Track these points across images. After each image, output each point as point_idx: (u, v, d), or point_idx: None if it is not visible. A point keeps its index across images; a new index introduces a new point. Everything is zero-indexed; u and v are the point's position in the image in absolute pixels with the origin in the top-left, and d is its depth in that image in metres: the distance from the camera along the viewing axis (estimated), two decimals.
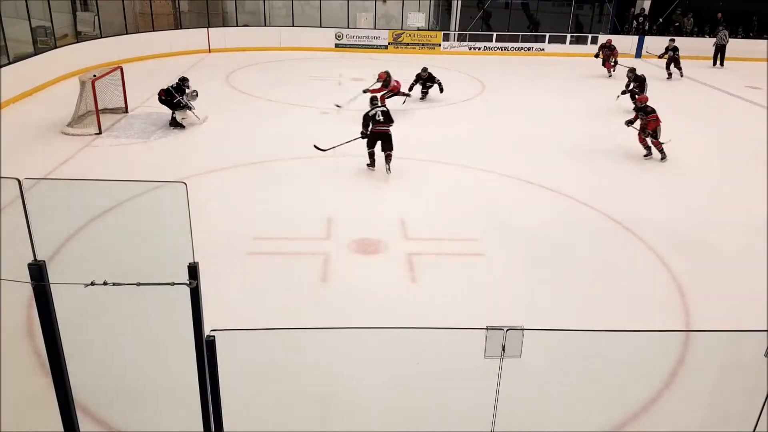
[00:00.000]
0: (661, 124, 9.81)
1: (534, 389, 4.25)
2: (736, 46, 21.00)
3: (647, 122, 9.85)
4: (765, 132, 11.80)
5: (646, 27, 21.70)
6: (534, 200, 8.25)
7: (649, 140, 9.93)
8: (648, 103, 10.05)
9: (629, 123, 10.23)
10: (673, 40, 18.11)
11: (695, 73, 18.23)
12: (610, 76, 17.45)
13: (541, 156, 10.04)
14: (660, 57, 17.85)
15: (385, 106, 9.41)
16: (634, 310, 5.72)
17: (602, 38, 19.66)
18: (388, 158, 8.79)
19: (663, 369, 4.70)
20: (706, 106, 14.89)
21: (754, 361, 2.69)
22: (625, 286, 6.15)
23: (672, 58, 17.50)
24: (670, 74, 17.65)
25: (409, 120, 12.16)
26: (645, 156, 10.04)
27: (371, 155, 8.96)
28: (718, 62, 19.94)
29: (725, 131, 12.30)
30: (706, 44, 20.86)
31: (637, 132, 10.09)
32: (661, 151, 9.86)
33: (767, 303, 5.75)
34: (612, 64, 17.48)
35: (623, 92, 13.52)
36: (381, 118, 8.74)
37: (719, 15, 21.43)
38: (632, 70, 13.59)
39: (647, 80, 13.41)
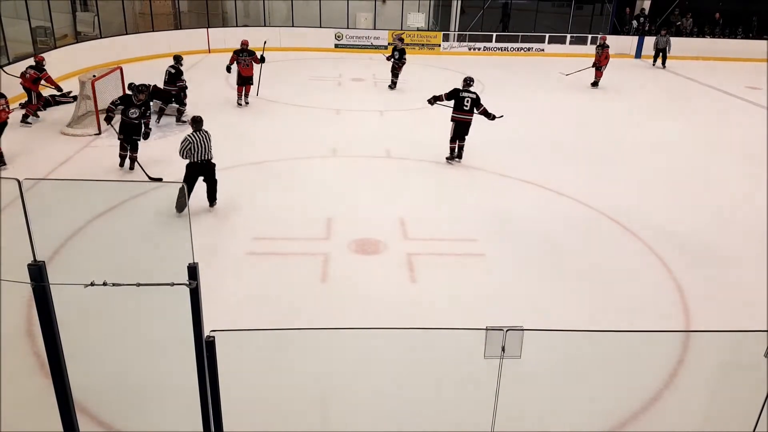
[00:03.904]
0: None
1: (534, 389, 4.25)
2: (736, 46, 21.03)
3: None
4: (765, 132, 11.80)
5: (646, 27, 21.69)
6: (534, 200, 8.24)
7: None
8: None
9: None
10: (401, 40, 15.65)
11: (695, 73, 18.22)
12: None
13: (541, 156, 10.03)
14: (388, 59, 14.65)
15: None
16: (634, 310, 5.71)
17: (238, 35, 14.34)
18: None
19: (663, 369, 4.70)
20: (706, 106, 14.88)
21: (754, 361, 2.70)
22: (625, 286, 6.15)
23: (397, 60, 14.42)
24: (393, 83, 14.78)
25: (408, 120, 12.17)
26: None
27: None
28: (659, 62, 19.10)
29: (725, 131, 12.30)
30: (705, 44, 20.93)
31: None
32: None
33: (767, 303, 5.76)
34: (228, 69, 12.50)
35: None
36: None
37: (717, 15, 21.45)
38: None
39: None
